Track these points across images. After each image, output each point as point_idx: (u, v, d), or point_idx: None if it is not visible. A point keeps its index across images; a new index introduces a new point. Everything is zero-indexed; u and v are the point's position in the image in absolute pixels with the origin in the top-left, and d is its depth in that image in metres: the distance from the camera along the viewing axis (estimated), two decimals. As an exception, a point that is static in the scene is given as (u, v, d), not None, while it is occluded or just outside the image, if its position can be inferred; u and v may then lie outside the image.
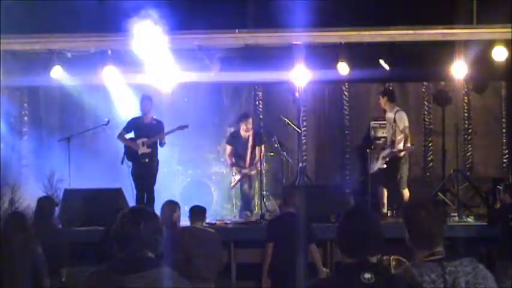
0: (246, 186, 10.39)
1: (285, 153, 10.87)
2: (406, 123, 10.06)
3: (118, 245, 3.05)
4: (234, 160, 10.50)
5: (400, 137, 10.06)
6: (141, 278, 2.97)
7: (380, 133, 10.96)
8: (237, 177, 10.43)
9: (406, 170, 10.12)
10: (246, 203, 10.36)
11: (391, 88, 10.99)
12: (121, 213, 3.14)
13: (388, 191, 10.13)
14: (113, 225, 3.12)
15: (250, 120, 10.45)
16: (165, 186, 10.32)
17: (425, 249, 3.20)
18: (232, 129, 10.86)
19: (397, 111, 10.17)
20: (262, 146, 10.37)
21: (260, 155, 10.21)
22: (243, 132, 10.41)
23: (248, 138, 10.38)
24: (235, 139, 10.53)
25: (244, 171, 10.39)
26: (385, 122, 10.96)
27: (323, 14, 9.57)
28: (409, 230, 3.26)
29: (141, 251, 3.04)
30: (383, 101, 10.38)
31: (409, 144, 10.08)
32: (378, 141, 10.88)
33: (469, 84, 11.52)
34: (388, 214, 10.04)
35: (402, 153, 10.04)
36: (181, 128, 9.86)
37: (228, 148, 10.58)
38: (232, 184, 10.55)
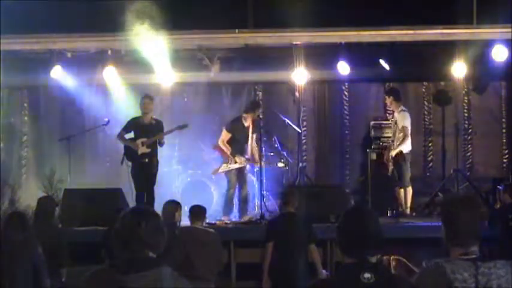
0: (231, 191, 10.00)
1: (285, 153, 10.87)
2: (406, 123, 10.04)
3: (120, 245, 3.05)
4: (233, 148, 10.01)
5: (399, 135, 10.06)
6: (142, 277, 2.97)
7: (380, 133, 10.96)
8: (233, 165, 9.96)
9: (404, 168, 10.09)
10: (243, 205, 10.02)
11: (393, 87, 10.96)
12: (123, 213, 3.15)
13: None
14: (114, 225, 3.13)
15: (260, 109, 10.27)
16: (165, 186, 10.32)
17: (460, 248, 3.13)
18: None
19: (400, 110, 10.18)
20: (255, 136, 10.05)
21: (259, 147, 9.91)
22: (246, 120, 10.02)
23: (249, 127, 10.10)
24: (236, 126, 10.04)
25: (248, 158, 10.06)
26: (385, 121, 11.00)
27: (323, 14, 9.57)
28: (446, 227, 3.20)
29: (142, 251, 3.04)
30: (389, 101, 10.38)
31: (403, 146, 10.05)
32: (378, 141, 10.88)
33: (469, 84, 11.53)
34: (408, 212, 10.00)
35: (394, 153, 10.02)
36: (181, 127, 9.82)
37: (227, 135, 10.05)
38: (223, 170, 10.03)
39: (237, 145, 10.06)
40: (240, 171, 10.10)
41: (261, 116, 10.48)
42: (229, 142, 10.08)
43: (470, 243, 3.14)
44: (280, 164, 10.65)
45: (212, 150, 10.79)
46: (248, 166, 10.25)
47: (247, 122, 10.07)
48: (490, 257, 3.18)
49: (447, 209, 3.26)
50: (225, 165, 10.05)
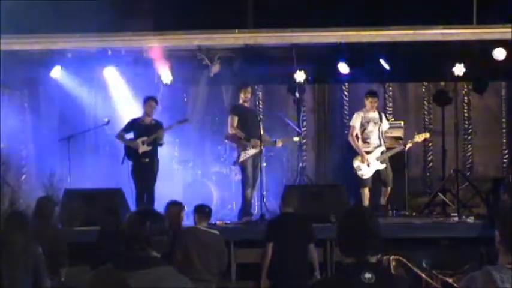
0: (249, 188, 9.53)
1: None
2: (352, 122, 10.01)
3: (125, 244, 3.13)
4: (245, 132, 9.39)
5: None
6: (144, 275, 3.03)
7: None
8: (252, 151, 9.40)
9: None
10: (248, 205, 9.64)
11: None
12: (129, 213, 3.30)
13: None
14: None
15: (250, 89, 9.68)
16: (165, 186, 10.32)
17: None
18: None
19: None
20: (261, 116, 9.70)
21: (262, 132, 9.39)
22: (244, 103, 9.57)
23: (250, 108, 9.77)
24: (240, 110, 9.51)
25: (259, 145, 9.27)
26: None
27: (323, 14, 9.57)
28: (501, 233, 3.11)
29: (146, 250, 3.12)
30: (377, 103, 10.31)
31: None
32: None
33: (469, 84, 11.54)
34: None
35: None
36: (181, 122, 9.76)
37: (236, 119, 9.44)
38: (243, 159, 9.37)
39: (248, 130, 9.45)
40: (256, 159, 9.50)
41: (261, 117, 10.33)
42: (240, 127, 9.47)
43: None
44: (296, 139, 10.29)
45: (212, 150, 10.77)
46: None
47: (246, 103, 9.62)
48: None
49: (503, 215, 3.16)
50: (243, 153, 9.44)
